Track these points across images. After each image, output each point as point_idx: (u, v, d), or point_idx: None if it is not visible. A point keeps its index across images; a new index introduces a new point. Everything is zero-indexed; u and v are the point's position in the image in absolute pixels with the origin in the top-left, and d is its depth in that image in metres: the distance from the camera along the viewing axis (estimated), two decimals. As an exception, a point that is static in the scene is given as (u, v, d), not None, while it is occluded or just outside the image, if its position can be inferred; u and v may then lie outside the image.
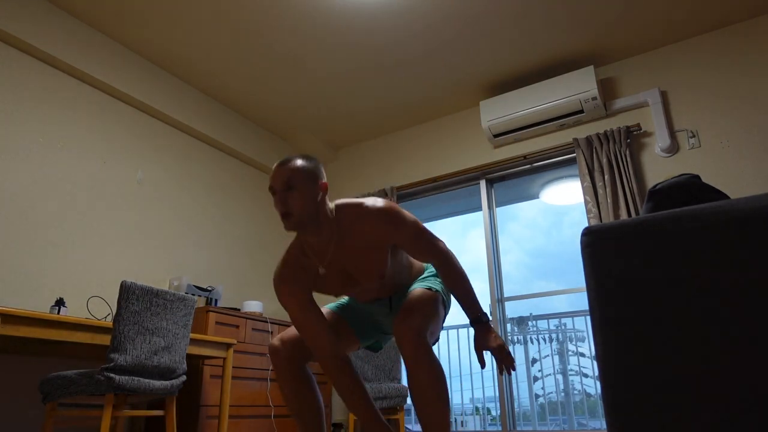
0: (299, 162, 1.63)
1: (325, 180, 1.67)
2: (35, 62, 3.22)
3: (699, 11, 3.45)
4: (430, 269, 1.97)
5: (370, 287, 1.81)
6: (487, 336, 1.72)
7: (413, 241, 1.71)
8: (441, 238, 1.79)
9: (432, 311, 1.72)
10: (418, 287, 1.82)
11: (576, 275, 4.04)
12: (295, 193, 1.59)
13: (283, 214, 1.60)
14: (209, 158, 4.30)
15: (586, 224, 3.64)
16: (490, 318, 1.76)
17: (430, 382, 1.60)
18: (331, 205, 1.70)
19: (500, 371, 1.71)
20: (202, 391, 3.14)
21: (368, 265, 1.71)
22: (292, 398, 1.76)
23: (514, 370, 1.71)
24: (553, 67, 3.96)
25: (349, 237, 1.69)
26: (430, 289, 1.80)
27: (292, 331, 1.83)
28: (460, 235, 5.41)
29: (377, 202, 1.68)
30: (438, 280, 1.89)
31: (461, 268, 1.77)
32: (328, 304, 1.99)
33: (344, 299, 2.03)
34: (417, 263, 1.97)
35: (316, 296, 4.64)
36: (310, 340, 1.71)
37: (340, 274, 1.75)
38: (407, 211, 1.73)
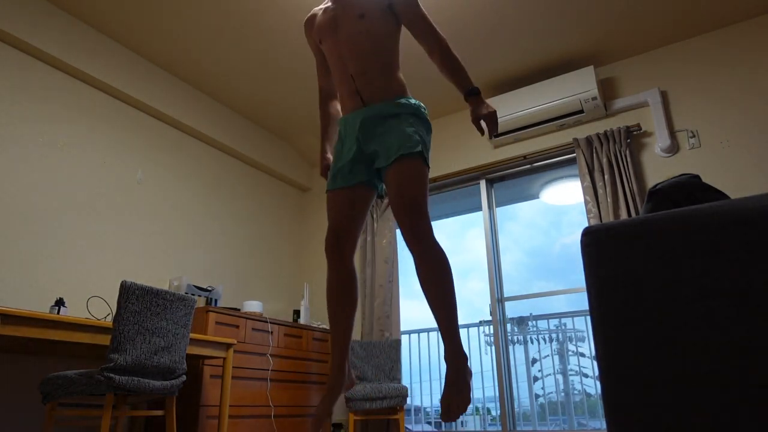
0: None
1: None
2: (35, 62, 3.22)
3: (699, 11, 3.45)
4: (408, 103, 1.98)
5: (352, 30, 1.95)
6: (480, 106, 1.93)
7: (410, 5, 1.97)
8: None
9: (424, 189, 1.83)
10: (401, 155, 1.83)
11: (576, 275, 4.04)
12: None
13: None
14: (209, 158, 4.30)
15: (586, 224, 3.65)
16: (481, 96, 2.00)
17: (439, 266, 1.76)
18: None
19: (489, 135, 1.98)
20: (202, 391, 3.14)
21: (355, 4, 1.94)
22: (335, 293, 1.90)
23: (497, 134, 1.91)
24: (553, 67, 3.96)
25: None
26: (412, 155, 1.83)
27: (341, 223, 1.92)
28: (460, 235, 5.41)
29: None
30: (419, 129, 1.92)
31: (455, 54, 1.97)
32: (329, 185, 2.01)
33: (332, 169, 2.04)
34: (397, 76, 2.03)
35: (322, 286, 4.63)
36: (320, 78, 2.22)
37: (332, 18, 2.00)
38: None
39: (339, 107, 2.23)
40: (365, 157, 1.96)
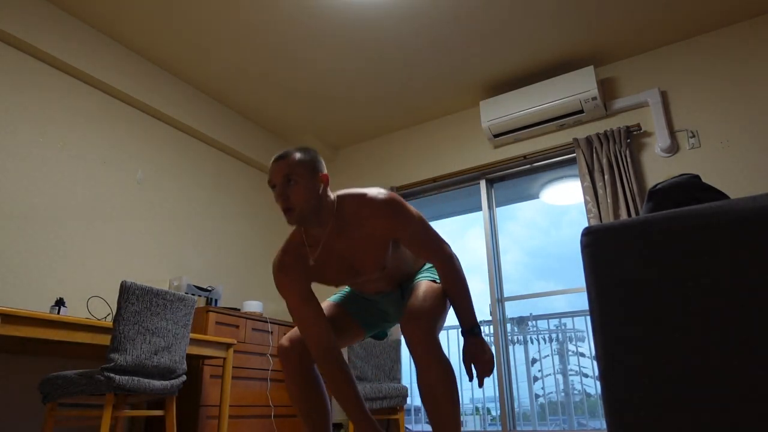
0: (297, 155, 1.59)
1: (325, 171, 1.64)
2: (35, 62, 3.22)
3: (699, 11, 3.45)
4: (427, 267, 1.95)
5: (372, 278, 1.76)
6: (480, 348, 1.68)
7: (416, 237, 1.66)
8: (446, 241, 1.75)
9: (439, 306, 1.68)
10: (423, 278, 1.78)
11: (576, 275, 4.04)
12: (296, 187, 1.56)
13: (285, 209, 1.57)
14: (209, 158, 4.30)
15: (586, 224, 3.64)
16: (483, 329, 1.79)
17: (441, 383, 1.58)
18: (333, 196, 1.66)
19: (479, 382, 1.69)
20: (202, 391, 3.13)
21: (369, 256, 1.68)
22: (300, 399, 1.73)
23: (480, 385, 1.70)
24: (553, 67, 3.96)
25: (351, 226, 1.65)
26: (435, 281, 1.76)
27: (325, 339, 1.77)
28: (460, 235, 5.41)
29: (381, 192, 1.64)
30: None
31: (463, 275, 1.72)
32: (331, 297, 1.96)
33: (346, 289, 2.00)
34: (416, 262, 1.96)
35: (319, 290, 4.64)
36: (306, 329, 1.67)
37: (340, 263, 1.71)
38: (412, 206, 1.69)
39: None
40: (377, 312, 1.93)
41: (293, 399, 1.75)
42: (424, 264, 1.93)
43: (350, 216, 1.64)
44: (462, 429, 1.72)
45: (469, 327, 1.71)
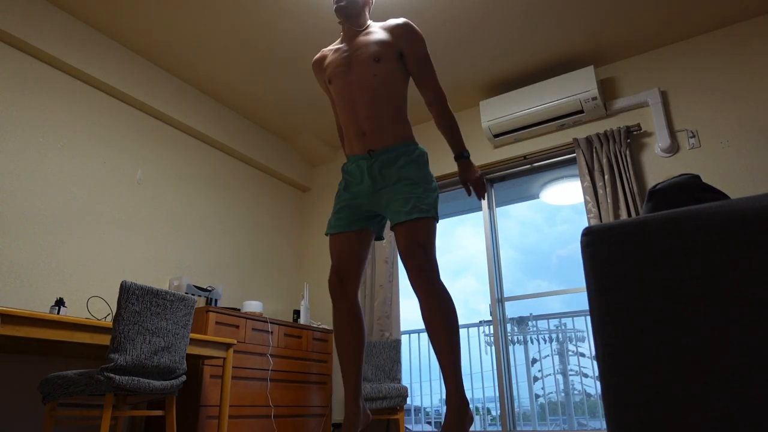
0: None
1: None
2: (35, 62, 3.22)
3: (698, 11, 3.45)
4: (414, 150, 2.01)
5: (363, 76, 2.01)
6: (468, 170, 2.07)
7: (420, 59, 2.05)
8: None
9: (432, 240, 1.90)
10: (413, 217, 1.88)
11: (575, 275, 4.04)
12: None
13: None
14: (209, 158, 4.30)
15: (586, 224, 3.64)
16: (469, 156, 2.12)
17: (442, 314, 1.80)
18: (368, 15, 2.18)
19: (478, 197, 2.07)
20: (202, 391, 3.14)
21: (370, 48, 2.02)
22: (342, 332, 1.97)
23: (483, 198, 2.08)
24: (553, 67, 3.96)
25: (373, 34, 2.07)
26: (425, 217, 1.89)
27: (343, 264, 2.01)
28: (460, 235, 5.41)
29: None
30: (428, 186, 1.96)
31: (451, 111, 2.10)
32: (328, 229, 2.07)
33: (335, 215, 2.09)
34: (406, 122, 2.06)
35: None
36: (333, 107, 2.25)
37: (346, 56, 2.07)
38: None
39: None
40: (368, 208, 2.03)
41: (335, 330, 1.99)
42: (406, 138, 2.02)
43: (377, 26, 2.10)
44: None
45: (459, 152, 2.08)
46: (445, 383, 1.81)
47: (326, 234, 2.08)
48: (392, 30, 2.06)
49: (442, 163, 4.45)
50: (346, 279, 1.99)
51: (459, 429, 1.73)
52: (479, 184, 2.05)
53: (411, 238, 1.86)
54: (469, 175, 2.06)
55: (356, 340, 1.96)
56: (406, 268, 1.87)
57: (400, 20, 2.08)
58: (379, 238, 2.12)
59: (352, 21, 2.11)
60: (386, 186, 1.96)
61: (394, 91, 2.03)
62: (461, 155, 2.07)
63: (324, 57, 2.20)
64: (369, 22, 2.15)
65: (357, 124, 2.02)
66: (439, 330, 1.79)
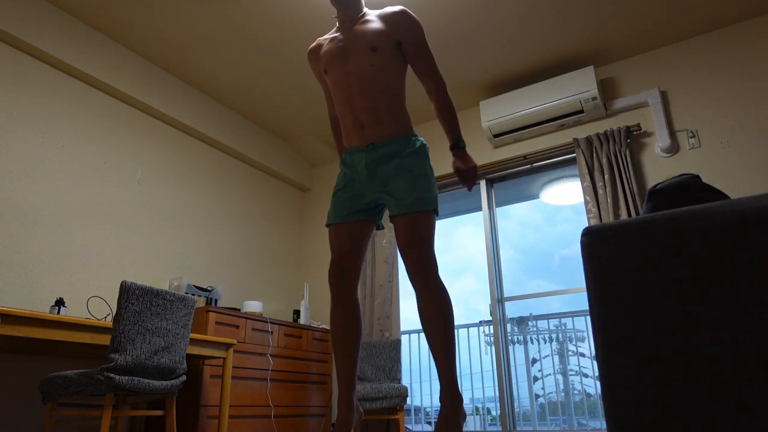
0: None
1: None
2: (35, 62, 3.22)
3: (698, 12, 3.45)
4: (413, 142, 2.01)
5: (359, 66, 1.98)
6: (462, 159, 2.03)
7: (419, 47, 2.03)
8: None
9: (432, 233, 1.91)
10: (415, 209, 1.88)
11: (575, 275, 4.04)
12: None
13: None
14: (209, 158, 4.30)
15: (586, 224, 3.64)
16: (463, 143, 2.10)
17: (438, 308, 1.81)
18: (363, 3, 2.14)
19: (468, 187, 2.05)
20: (202, 391, 3.14)
21: (367, 36, 1.99)
22: (338, 323, 1.95)
23: (470, 189, 2.05)
24: (553, 67, 3.96)
25: (370, 22, 2.03)
26: (427, 210, 1.90)
27: (343, 256, 1.99)
28: (460, 235, 5.41)
29: None
30: (429, 179, 1.97)
31: (451, 100, 2.06)
32: (328, 221, 2.06)
33: (333, 208, 2.08)
34: (404, 113, 2.05)
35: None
36: (327, 100, 2.26)
37: (341, 45, 2.04)
38: None
39: None
40: (368, 200, 2.01)
41: (332, 322, 1.97)
42: (405, 131, 2.02)
43: (374, 15, 2.07)
44: (463, 429, 1.77)
45: (455, 141, 2.04)
46: (439, 378, 1.80)
47: (327, 225, 2.05)
48: (389, 18, 2.02)
49: (441, 162, 4.45)
50: (347, 270, 1.97)
51: (453, 424, 1.73)
52: (470, 175, 2.02)
53: (412, 230, 1.85)
54: (462, 164, 2.03)
55: (355, 336, 1.95)
56: (404, 261, 1.86)
57: (397, 8, 2.04)
58: (379, 227, 2.11)
59: (347, 9, 2.08)
60: (386, 178, 1.95)
61: (391, 80, 2.00)
62: (457, 145, 2.05)
63: (320, 46, 2.16)
64: (365, 10, 2.11)
65: (354, 114, 2.00)
66: (435, 324, 1.79)
